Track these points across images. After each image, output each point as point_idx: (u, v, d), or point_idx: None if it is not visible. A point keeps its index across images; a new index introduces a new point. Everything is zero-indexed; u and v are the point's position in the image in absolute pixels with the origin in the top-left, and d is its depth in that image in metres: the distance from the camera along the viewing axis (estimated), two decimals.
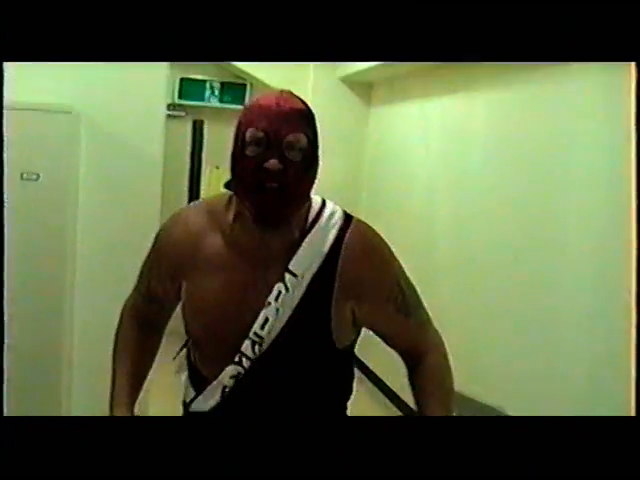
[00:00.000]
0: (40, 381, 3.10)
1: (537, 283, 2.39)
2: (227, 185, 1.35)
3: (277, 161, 1.25)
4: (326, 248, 1.34)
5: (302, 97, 1.33)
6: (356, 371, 1.52)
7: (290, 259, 1.34)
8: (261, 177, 1.25)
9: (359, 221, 1.40)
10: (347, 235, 1.36)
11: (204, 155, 4.97)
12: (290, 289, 1.32)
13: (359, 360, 2.98)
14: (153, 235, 1.48)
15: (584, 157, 2.16)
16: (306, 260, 1.34)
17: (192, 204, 1.56)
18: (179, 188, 4.25)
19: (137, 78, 3.40)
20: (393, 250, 1.40)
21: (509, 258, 2.59)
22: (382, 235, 1.40)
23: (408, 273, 1.40)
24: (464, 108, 3.06)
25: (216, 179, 4.88)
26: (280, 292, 1.32)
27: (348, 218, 1.39)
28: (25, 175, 3.02)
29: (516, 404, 2.24)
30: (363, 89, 4.23)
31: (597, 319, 2.06)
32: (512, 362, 2.50)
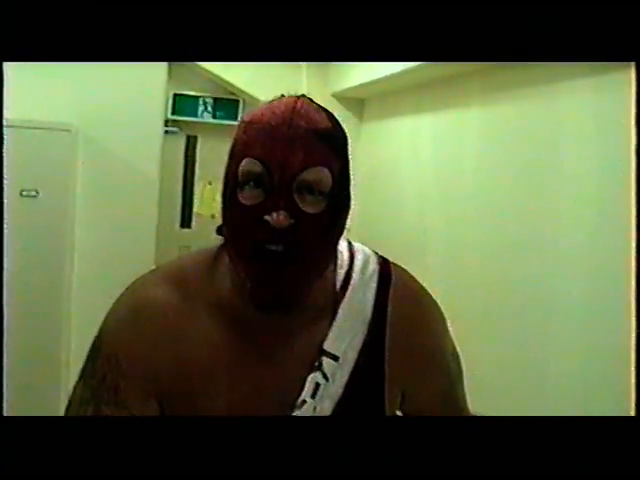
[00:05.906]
0: (39, 383, 3.14)
1: (530, 291, 2.44)
2: (219, 230, 0.94)
3: (285, 214, 0.85)
4: (368, 313, 0.99)
5: None
6: None
7: (322, 335, 0.97)
8: (260, 236, 0.85)
9: (398, 268, 1.07)
10: (391, 292, 1.02)
11: (198, 171, 5.00)
12: (330, 378, 0.95)
13: None
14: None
15: (576, 170, 2.20)
16: (346, 334, 0.97)
17: (154, 272, 1.02)
18: (173, 204, 4.27)
19: (135, 96, 3.45)
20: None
21: (501, 270, 2.63)
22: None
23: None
24: (456, 123, 3.10)
25: (209, 195, 4.91)
26: (318, 384, 0.95)
27: (384, 266, 1.06)
28: (24, 192, 3.07)
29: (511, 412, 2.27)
30: (355, 105, 4.27)
31: (593, 324, 2.10)
32: (505, 369, 2.54)
